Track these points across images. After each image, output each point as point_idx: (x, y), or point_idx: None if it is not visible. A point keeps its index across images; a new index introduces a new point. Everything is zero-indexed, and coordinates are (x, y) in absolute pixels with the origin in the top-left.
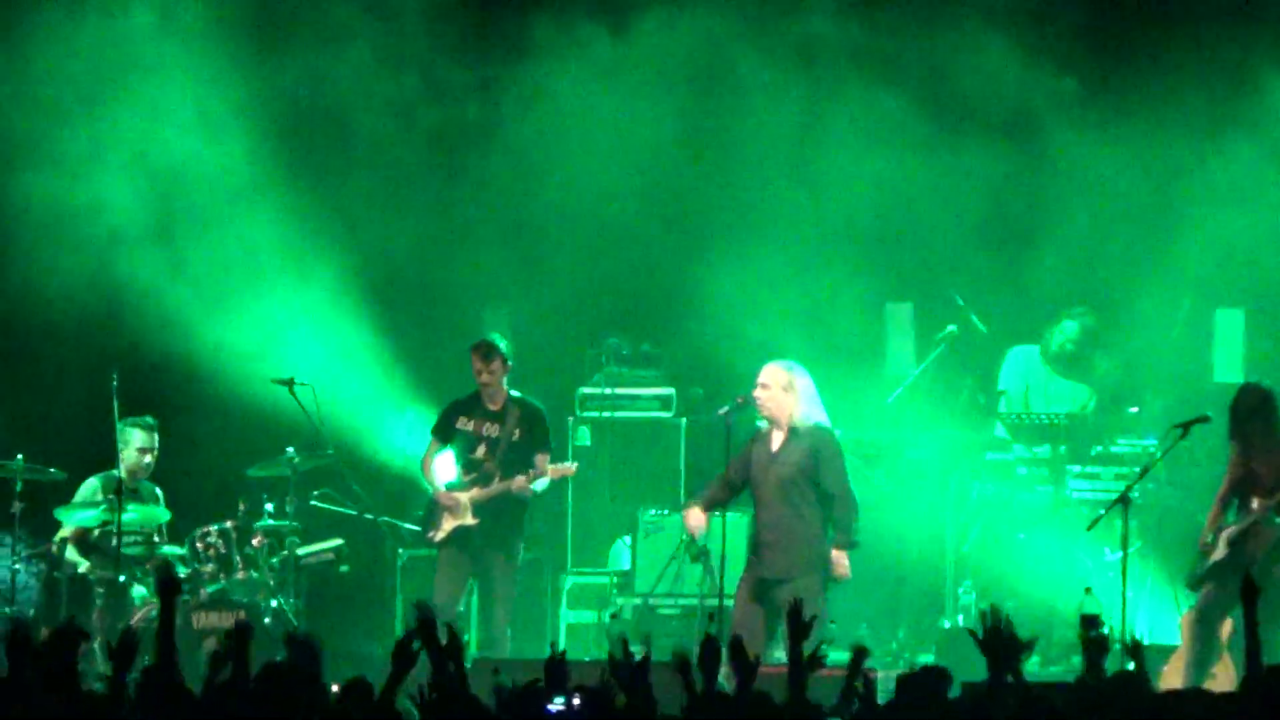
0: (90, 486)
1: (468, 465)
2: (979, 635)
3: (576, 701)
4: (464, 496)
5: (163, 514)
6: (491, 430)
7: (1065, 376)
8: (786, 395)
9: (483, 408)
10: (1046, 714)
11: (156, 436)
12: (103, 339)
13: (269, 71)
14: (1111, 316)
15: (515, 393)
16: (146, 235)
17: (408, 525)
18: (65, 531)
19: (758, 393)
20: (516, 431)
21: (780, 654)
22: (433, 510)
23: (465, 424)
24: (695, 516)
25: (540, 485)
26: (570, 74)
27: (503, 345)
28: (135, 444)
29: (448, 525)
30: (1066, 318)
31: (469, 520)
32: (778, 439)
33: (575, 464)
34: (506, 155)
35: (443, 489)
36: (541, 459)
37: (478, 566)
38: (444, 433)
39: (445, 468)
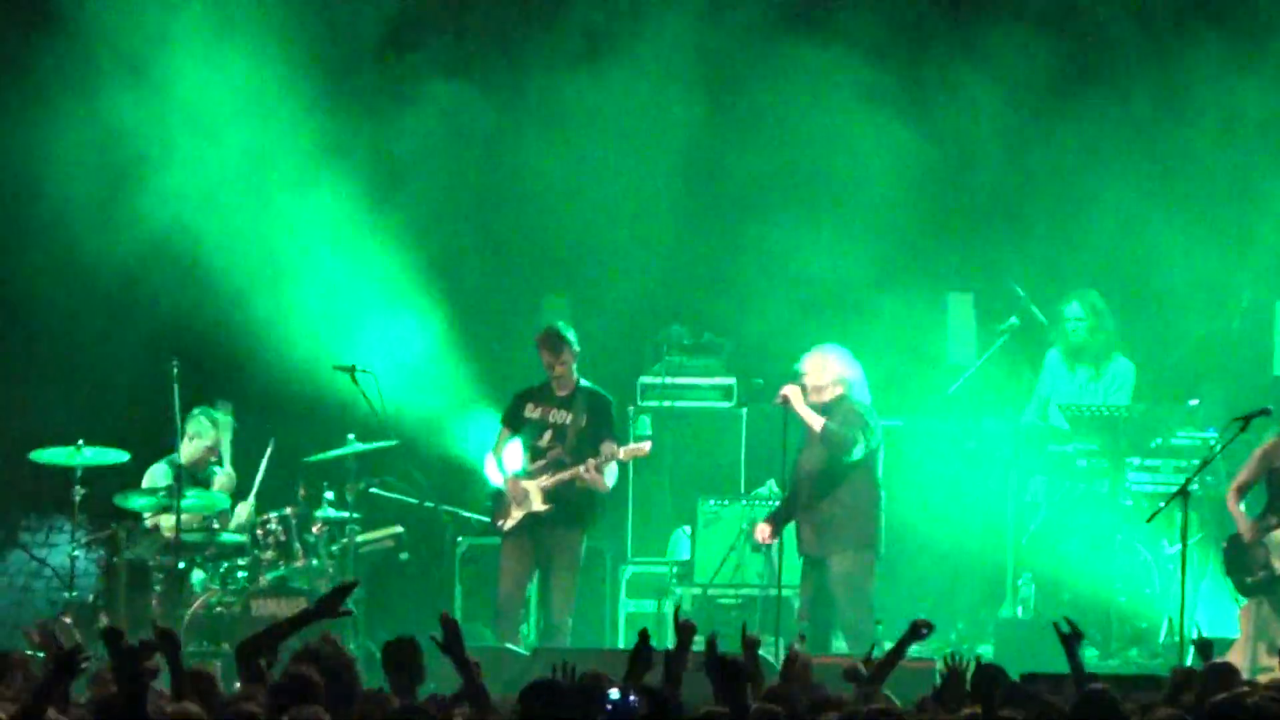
0: (155, 472)
1: (536, 453)
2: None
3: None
4: (533, 485)
5: (222, 501)
6: (560, 417)
7: (1091, 364)
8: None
9: (551, 395)
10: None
11: (228, 422)
12: (165, 324)
13: (332, 58)
14: (1172, 308)
15: (584, 381)
16: (209, 219)
17: (468, 513)
18: (149, 520)
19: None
20: (585, 418)
21: (840, 644)
22: (501, 499)
23: (533, 411)
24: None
25: (611, 475)
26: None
27: (569, 333)
28: (205, 441)
29: (516, 514)
30: (1066, 303)
31: (538, 507)
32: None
33: (648, 442)
34: (566, 146)
35: (511, 478)
36: (608, 445)
37: (542, 554)
38: (513, 422)
39: (513, 457)
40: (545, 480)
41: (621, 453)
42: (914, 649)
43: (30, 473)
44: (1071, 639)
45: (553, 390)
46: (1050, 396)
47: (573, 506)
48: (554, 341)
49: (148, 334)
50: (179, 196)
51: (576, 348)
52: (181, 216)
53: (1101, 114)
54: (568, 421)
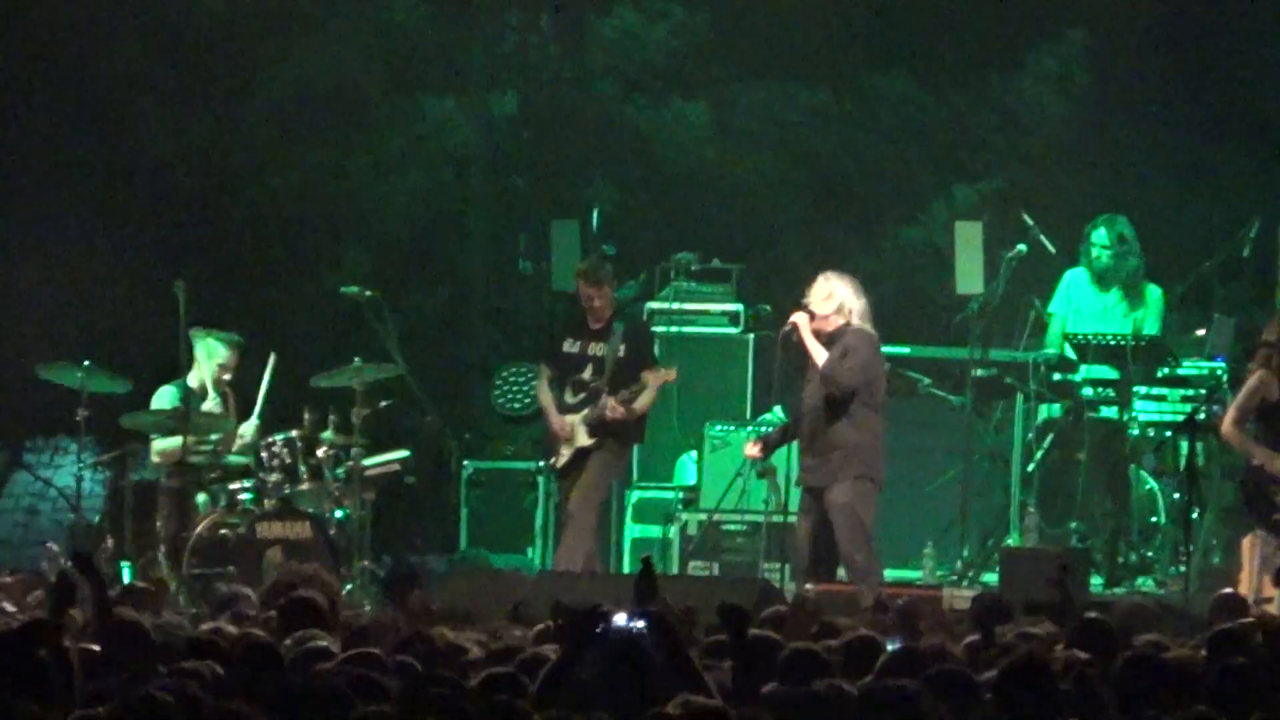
0: (165, 394)
1: (577, 386)
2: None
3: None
4: (576, 419)
5: (227, 424)
6: (598, 349)
7: (1120, 289)
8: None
9: (588, 328)
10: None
11: (238, 355)
12: (170, 247)
13: None
14: (1178, 239)
15: (622, 311)
16: (214, 134)
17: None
18: (156, 451)
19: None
20: (622, 348)
21: (840, 573)
22: (550, 440)
23: (571, 346)
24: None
25: (643, 402)
26: None
27: (608, 267)
28: (217, 358)
29: (565, 452)
30: (1094, 229)
31: (584, 442)
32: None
33: (675, 368)
34: (575, 70)
35: (558, 417)
36: (647, 374)
37: None
38: (553, 359)
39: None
40: (589, 413)
41: (651, 380)
42: (922, 576)
43: (36, 392)
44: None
45: (588, 323)
46: (1067, 315)
47: (614, 440)
48: (595, 276)
49: (154, 254)
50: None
51: (608, 282)
52: (193, 134)
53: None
54: (605, 353)
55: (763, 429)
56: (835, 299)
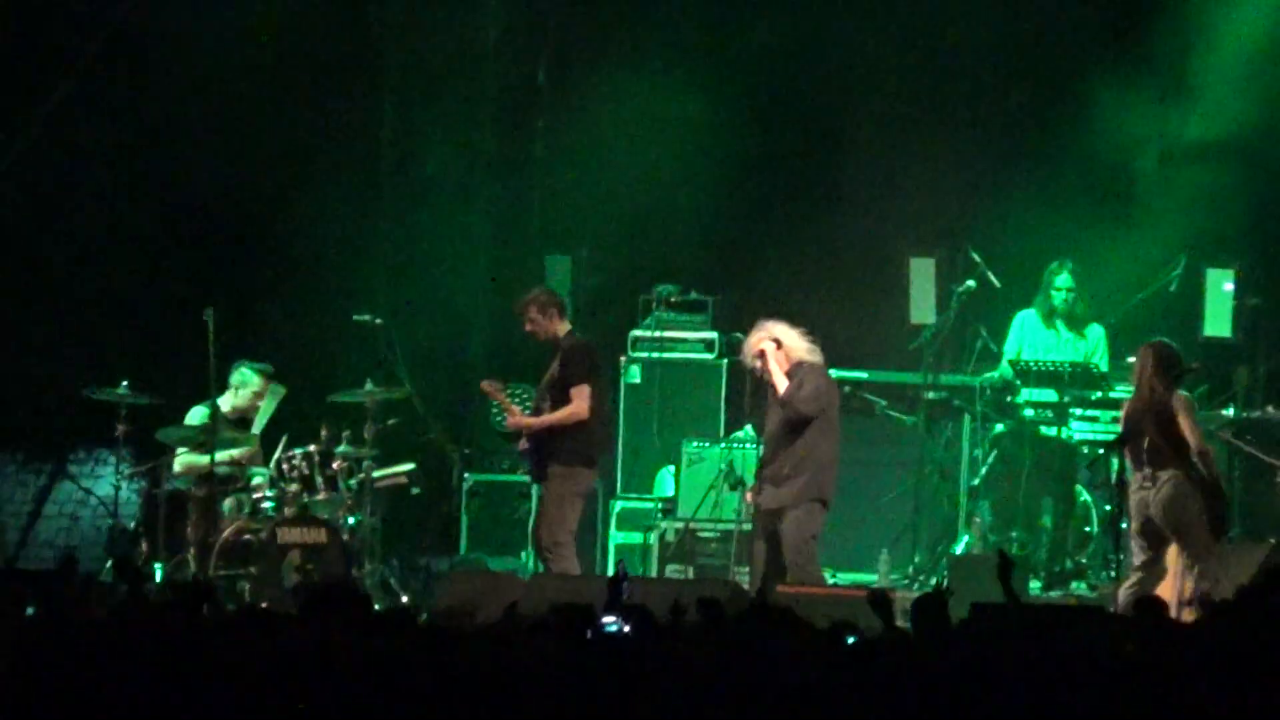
0: (196, 413)
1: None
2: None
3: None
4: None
5: (250, 440)
6: (547, 370)
7: (1071, 328)
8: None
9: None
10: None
11: (268, 383)
12: (201, 277)
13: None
14: (1112, 276)
15: (574, 333)
16: (244, 174)
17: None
18: (183, 459)
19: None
20: (557, 368)
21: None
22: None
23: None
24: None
25: (545, 419)
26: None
27: (533, 293)
28: (252, 386)
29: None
30: (1055, 275)
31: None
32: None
33: (585, 404)
34: (570, 113)
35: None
36: (574, 392)
37: None
38: (536, 383)
39: None
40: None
41: (574, 397)
42: (876, 580)
43: (79, 410)
44: (1004, 567)
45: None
46: (1022, 351)
47: (546, 448)
48: (518, 305)
49: (185, 284)
50: (217, 146)
51: (548, 306)
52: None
53: (1053, 89)
54: (548, 373)
55: (735, 445)
56: (760, 343)
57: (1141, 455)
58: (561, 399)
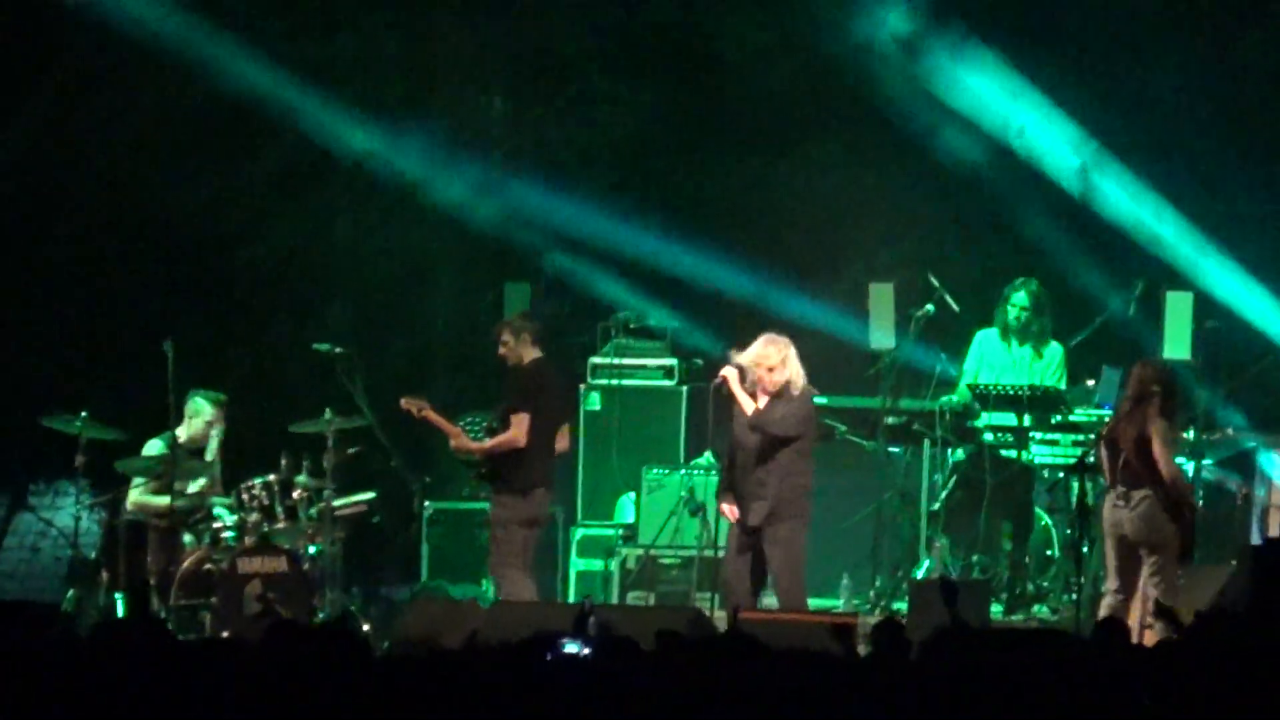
0: (153, 445)
1: None
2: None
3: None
4: None
5: (211, 470)
6: None
7: (1024, 344)
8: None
9: None
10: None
11: (222, 411)
12: (161, 308)
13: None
14: (1076, 298)
15: (541, 361)
16: (203, 204)
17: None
18: (135, 496)
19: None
20: (504, 394)
21: (771, 601)
22: None
23: None
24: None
25: (483, 444)
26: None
27: (511, 317)
28: (205, 416)
29: None
30: (1013, 291)
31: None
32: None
33: (521, 433)
34: (528, 139)
35: None
36: (513, 418)
37: None
38: None
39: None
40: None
41: (512, 423)
42: (839, 605)
43: (38, 441)
44: (949, 592)
45: None
46: (978, 370)
47: (493, 484)
48: (495, 327)
49: (144, 314)
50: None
51: (518, 333)
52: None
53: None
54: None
55: (695, 472)
56: (779, 359)
57: (1117, 473)
58: (505, 424)
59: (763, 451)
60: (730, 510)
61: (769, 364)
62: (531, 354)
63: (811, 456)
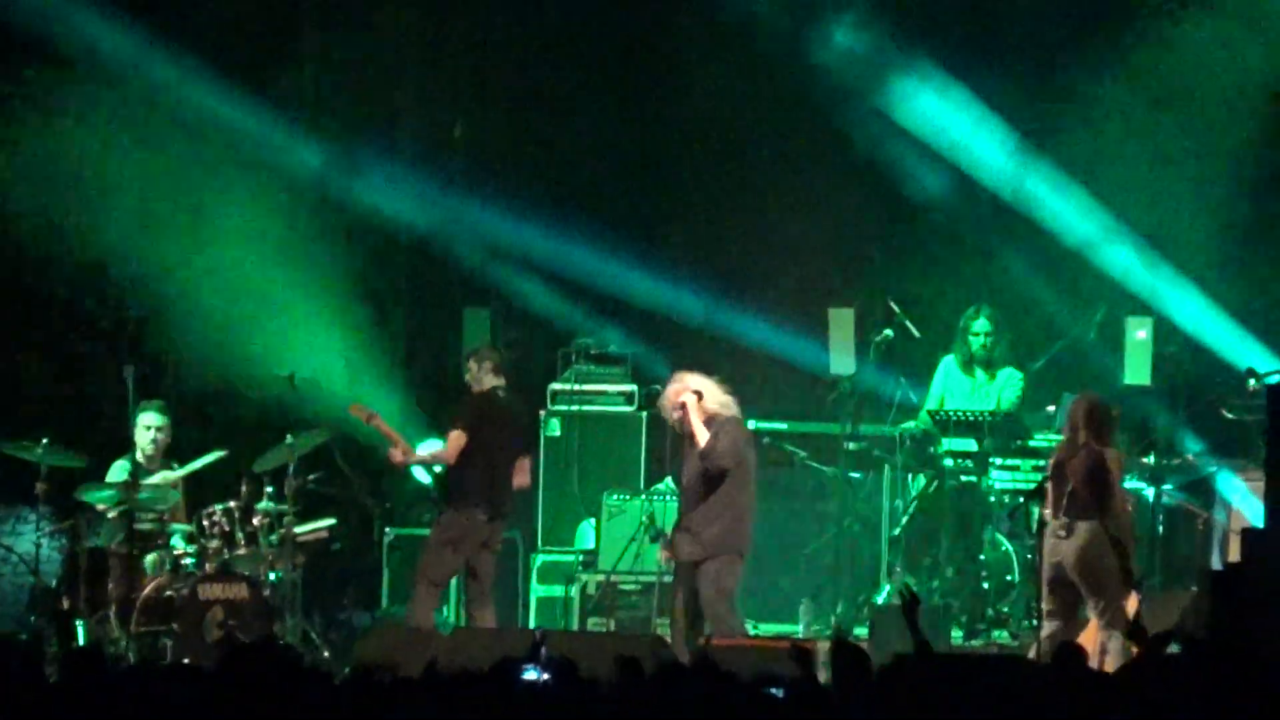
0: (116, 468)
1: None
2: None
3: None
4: None
5: (173, 495)
6: None
7: (987, 371)
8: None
9: None
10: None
11: (167, 418)
12: (125, 338)
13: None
14: (1036, 324)
15: (496, 390)
16: (160, 232)
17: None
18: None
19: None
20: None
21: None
22: None
23: None
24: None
25: (417, 454)
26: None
27: (476, 345)
28: (144, 423)
29: None
30: (972, 319)
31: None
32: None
33: (446, 446)
34: (491, 168)
35: None
36: (449, 435)
37: None
38: None
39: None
40: None
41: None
42: (799, 631)
43: None
44: (910, 605)
45: None
46: (942, 396)
47: (434, 503)
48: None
49: (104, 340)
50: (122, 210)
51: (478, 362)
52: (125, 232)
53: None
54: None
55: (655, 497)
56: (686, 396)
57: (1062, 503)
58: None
59: (703, 484)
60: (664, 555)
61: (678, 403)
62: (490, 382)
63: (751, 486)
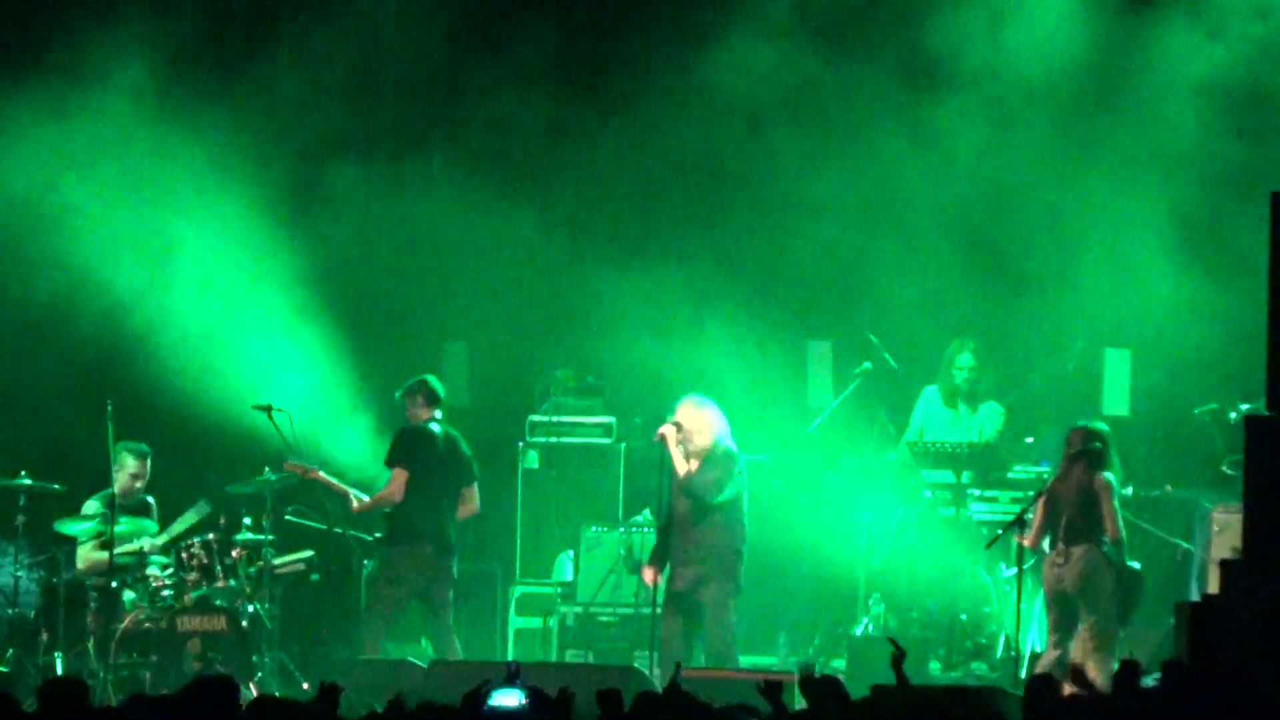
0: (91, 504)
1: None
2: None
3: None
4: None
5: (151, 527)
6: None
7: (969, 404)
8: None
9: None
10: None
11: (148, 463)
12: (101, 368)
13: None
14: (1014, 356)
15: (430, 423)
16: (139, 265)
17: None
18: (84, 553)
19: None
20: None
21: (700, 661)
22: None
23: None
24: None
25: (364, 501)
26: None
27: (409, 382)
28: (128, 469)
29: None
30: (956, 353)
31: None
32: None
33: (395, 490)
34: (464, 204)
35: None
36: (391, 474)
37: None
38: None
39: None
40: None
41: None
42: (775, 663)
43: None
44: (896, 659)
45: None
46: (923, 427)
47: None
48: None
49: (81, 374)
50: (97, 242)
51: (415, 395)
52: (100, 262)
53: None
54: None
55: (633, 529)
56: (699, 419)
57: (1059, 531)
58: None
59: (694, 515)
60: (650, 575)
61: (689, 426)
62: (425, 415)
63: (742, 518)
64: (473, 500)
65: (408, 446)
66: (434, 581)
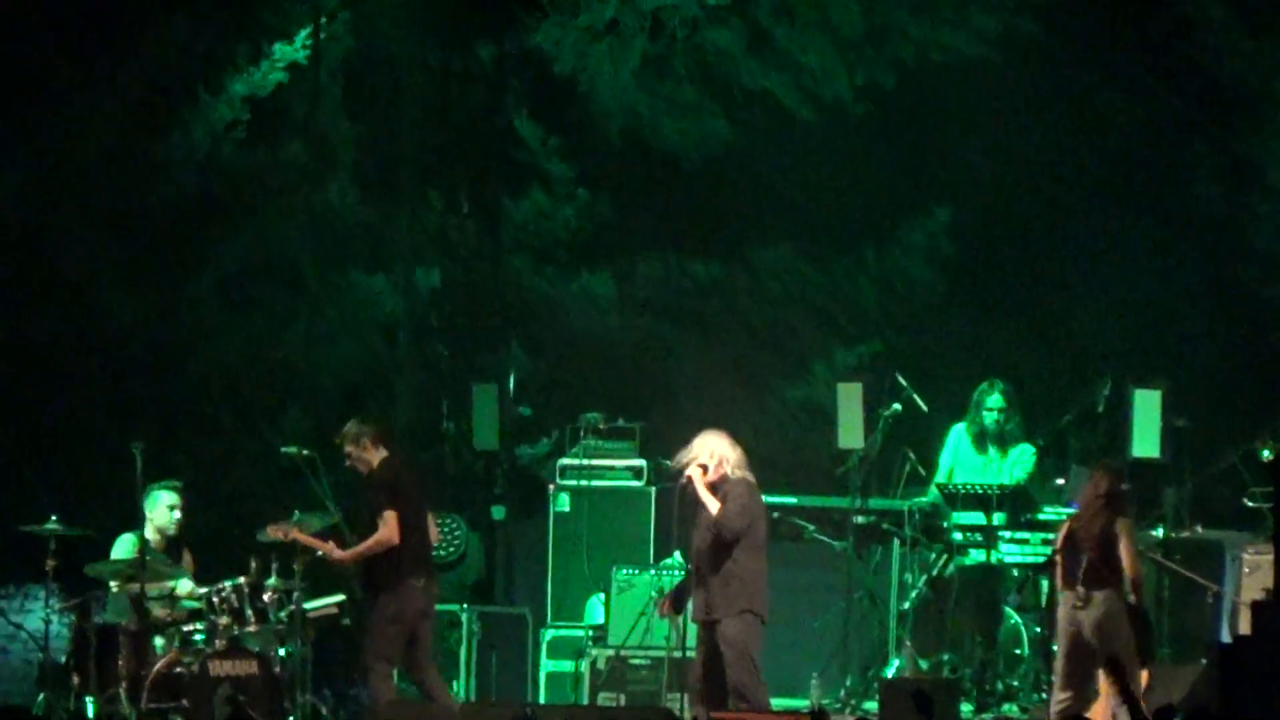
0: (124, 543)
1: None
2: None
3: None
4: None
5: (180, 572)
6: None
7: (1000, 448)
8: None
9: None
10: None
11: (180, 497)
12: (127, 412)
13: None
14: (1043, 397)
15: (390, 459)
16: (166, 310)
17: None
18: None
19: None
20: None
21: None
22: None
23: None
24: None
25: (351, 551)
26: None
27: (345, 428)
28: (165, 502)
29: None
30: (985, 395)
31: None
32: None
33: (388, 533)
34: (491, 246)
35: None
36: (380, 518)
37: None
38: None
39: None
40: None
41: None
42: (808, 704)
43: (7, 545)
44: (923, 704)
45: None
46: (952, 466)
47: (366, 587)
48: (340, 437)
49: (112, 419)
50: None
51: (359, 439)
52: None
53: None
54: None
55: (664, 572)
56: (714, 454)
57: (1078, 574)
58: (373, 528)
59: (715, 546)
60: (665, 606)
61: (709, 461)
62: (379, 455)
63: (763, 550)
64: (434, 527)
65: (391, 487)
66: (425, 614)
